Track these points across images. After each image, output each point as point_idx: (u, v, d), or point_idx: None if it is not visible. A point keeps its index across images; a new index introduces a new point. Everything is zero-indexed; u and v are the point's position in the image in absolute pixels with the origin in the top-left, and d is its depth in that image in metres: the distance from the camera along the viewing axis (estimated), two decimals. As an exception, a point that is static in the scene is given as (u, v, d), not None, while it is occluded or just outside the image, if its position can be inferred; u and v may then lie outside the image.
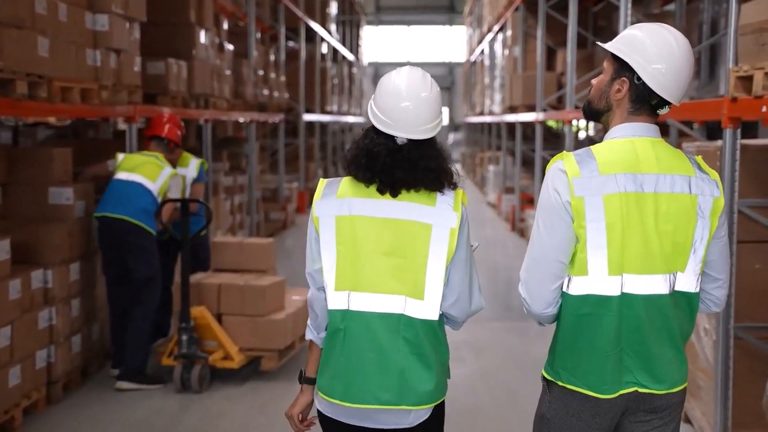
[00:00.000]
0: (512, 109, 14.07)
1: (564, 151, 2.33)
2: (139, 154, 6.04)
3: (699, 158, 2.37)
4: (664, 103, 2.30)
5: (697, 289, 2.34)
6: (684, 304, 2.33)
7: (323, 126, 19.93)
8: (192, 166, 6.46)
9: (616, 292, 2.24)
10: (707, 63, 7.72)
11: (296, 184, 15.55)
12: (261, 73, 12.19)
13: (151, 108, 7.11)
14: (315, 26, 17.30)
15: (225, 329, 5.71)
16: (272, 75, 12.92)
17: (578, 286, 2.27)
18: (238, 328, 5.73)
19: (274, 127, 15.28)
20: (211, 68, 9.09)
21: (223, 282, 5.84)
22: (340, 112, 21.68)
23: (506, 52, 15.00)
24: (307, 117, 16.82)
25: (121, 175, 5.77)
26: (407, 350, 2.39)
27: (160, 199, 5.77)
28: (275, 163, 16.00)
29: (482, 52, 21.45)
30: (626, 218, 2.23)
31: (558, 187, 2.25)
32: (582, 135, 13.96)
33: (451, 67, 38.38)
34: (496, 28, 17.09)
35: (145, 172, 5.76)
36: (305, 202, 15.74)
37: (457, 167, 2.51)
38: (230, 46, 10.48)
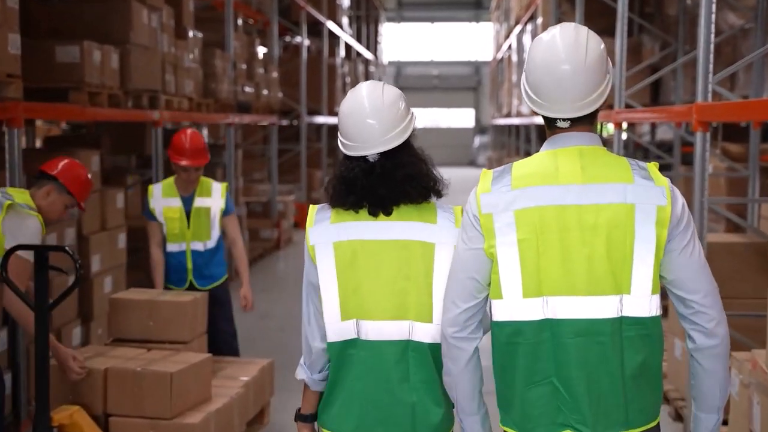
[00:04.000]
0: (543, 110, 12.07)
1: (485, 169, 2.21)
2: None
3: (651, 165, 2.13)
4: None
5: (654, 313, 2.09)
6: (637, 331, 2.08)
7: (332, 129, 18.01)
8: (216, 194, 4.99)
9: (535, 317, 2.09)
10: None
11: (293, 196, 13.59)
12: (244, 67, 10.27)
13: (52, 107, 5.22)
14: (320, 17, 15.38)
15: (111, 439, 3.79)
16: (260, 70, 10.99)
17: (496, 312, 2.14)
18: (132, 438, 3.81)
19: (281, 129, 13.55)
20: (161, 58, 7.19)
21: (113, 366, 3.92)
22: (352, 114, 19.65)
23: (536, 43, 12.98)
24: (311, 119, 14.94)
25: None
26: (417, 380, 2.33)
27: None
28: (281, 171, 14.29)
29: (509, 47, 19.65)
30: (543, 234, 2.09)
31: (468, 205, 2.19)
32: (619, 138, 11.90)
33: (477, 67, 36.62)
34: (525, 18, 15.18)
35: None
36: (305, 216, 13.80)
37: (440, 172, 2.43)
38: (198, 34, 8.57)
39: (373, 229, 2.35)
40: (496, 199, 2.12)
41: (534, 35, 13.88)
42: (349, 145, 2.37)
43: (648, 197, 2.07)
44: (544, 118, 2.17)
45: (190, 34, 8.15)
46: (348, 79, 18.99)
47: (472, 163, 34.26)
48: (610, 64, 2.17)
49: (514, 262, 2.09)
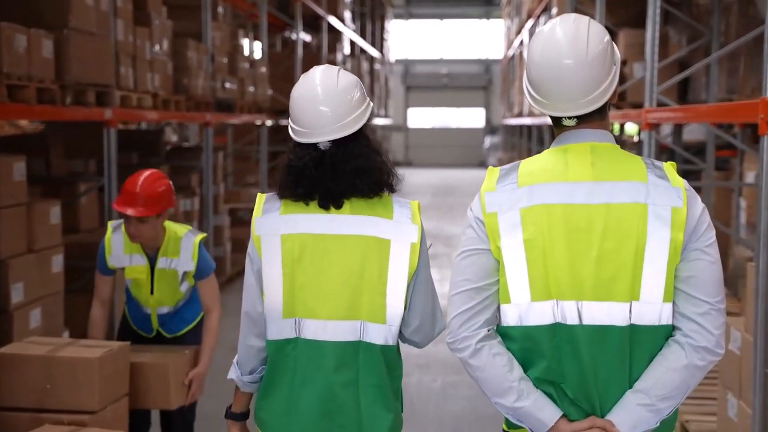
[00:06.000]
0: (558, 109, 11.05)
1: (491, 167, 2.10)
2: None
3: (668, 165, 2.03)
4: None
5: (665, 322, 1.96)
6: (647, 341, 1.96)
7: (333, 129, 16.97)
8: (186, 254, 3.74)
9: (545, 321, 1.97)
10: None
11: (286, 203, 12.55)
12: (225, 61, 9.23)
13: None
14: (318, 11, 14.37)
15: None
16: (244, 65, 9.95)
17: (506, 316, 2.01)
18: None
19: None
20: (114, 47, 6.17)
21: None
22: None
23: (550, 36, 11.93)
24: (307, 119, 13.90)
25: None
26: (366, 384, 2.24)
27: None
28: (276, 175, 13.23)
29: (521, 43, 18.62)
30: (550, 234, 1.97)
31: (472, 205, 2.08)
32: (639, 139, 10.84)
33: (487, 65, 35.58)
34: (538, 11, 14.15)
35: None
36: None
37: (394, 165, 2.35)
38: (166, 21, 7.55)
39: (324, 222, 2.25)
40: (500, 198, 2.02)
41: (548, 28, 12.84)
42: (299, 131, 2.26)
43: (662, 198, 1.95)
44: (551, 116, 2.06)
45: (156, 21, 7.12)
46: (350, 77, 17.93)
47: (482, 164, 33.35)
48: (617, 54, 2.05)
49: (520, 264, 1.98)
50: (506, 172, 2.05)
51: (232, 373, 2.38)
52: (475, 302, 2.00)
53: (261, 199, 2.32)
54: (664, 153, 10.24)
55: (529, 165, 2.05)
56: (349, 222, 2.25)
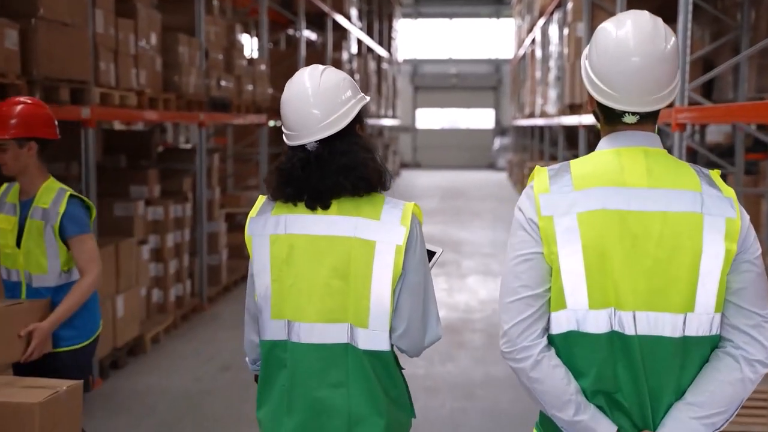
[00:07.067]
0: (573, 109, 10.63)
1: (538, 166, 2.08)
2: None
3: (714, 173, 2.02)
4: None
5: (715, 332, 1.95)
6: (698, 352, 1.95)
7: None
8: (55, 205, 3.49)
9: (603, 329, 1.93)
10: None
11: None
12: (220, 57, 8.70)
13: None
14: (323, 7, 13.85)
15: None
16: (241, 62, 9.42)
17: (558, 323, 1.96)
18: None
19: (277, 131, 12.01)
20: (93, 40, 5.64)
21: None
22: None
23: (566, 31, 11.38)
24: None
25: None
26: (356, 387, 2.23)
27: None
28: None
29: (533, 41, 18.09)
30: (607, 240, 1.93)
31: (522, 205, 2.01)
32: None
33: (497, 65, 35.06)
34: (551, 7, 13.61)
35: None
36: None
37: (383, 163, 2.31)
38: (154, 13, 7.02)
39: (311, 223, 2.26)
40: (556, 200, 1.96)
41: (561, 25, 12.28)
42: (287, 134, 2.30)
43: (717, 208, 1.93)
44: (605, 111, 2.02)
45: (142, 12, 6.60)
46: (357, 77, 17.45)
47: (492, 166, 32.85)
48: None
49: (578, 270, 1.93)
50: (557, 173, 2.00)
51: (247, 360, 2.49)
52: (533, 309, 1.96)
53: (260, 200, 2.36)
54: (687, 155, 9.69)
55: (582, 166, 2.01)
56: (335, 223, 2.24)
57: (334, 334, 2.22)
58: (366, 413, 2.22)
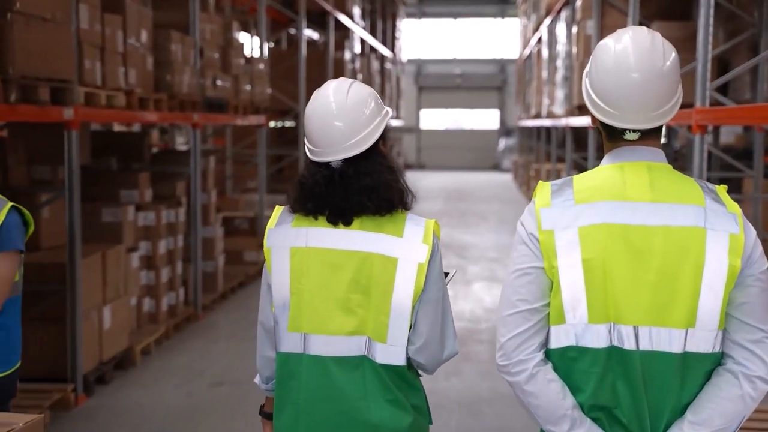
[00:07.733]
0: (581, 110, 10.25)
1: (541, 181, 2.08)
2: None
3: (720, 188, 2.01)
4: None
5: (717, 350, 1.94)
6: (700, 369, 1.94)
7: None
8: None
9: (602, 344, 1.92)
10: None
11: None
12: (216, 56, 8.38)
13: None
14: (325, 5, 13.52)
15: None
16: (239, 61, 9.09)
17: (557, 338, 1.96)
18: None
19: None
20: (77, 36, 5.32)
21: None
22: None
23: (574, 30, 11.04)
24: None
25: None
26: (374, 399, 2.22)
27: None
28: (279, 179, 12.53)
29: (539, 41, 17.76)
30: (610, 255, 1.92)
31: (524, 220, 2.02)
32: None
33: (502, 65, 34.77)
34: (558, 5, 13.27)
35: None
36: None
37: (408, 183, 2.33)
38: (145, 10, 6.70)
39: (332, 237, 2.25)
40: (558, 215, 1.96)
41: (570, 23, 11.95)
42: (311, 150, 2.28)
43: (720, 223, 1.92)
44: (606, 129, 2.02)
45: (131, 8, 6.28)
46: (360, 77, 17.12)
47: (497, 167, 32.54)
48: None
49: (578, 284, 1.92)
50: (559, 188, 2.00)
51: (256, 378, 2.46)
52: (530, 324, 1.96)
53: (278, 210, 2.34)
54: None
55: (585, 181, 2.01)
56: (357, 238, 2.24)
57: (351, 347, 2.23)
58: (388, 423, 2.22)
